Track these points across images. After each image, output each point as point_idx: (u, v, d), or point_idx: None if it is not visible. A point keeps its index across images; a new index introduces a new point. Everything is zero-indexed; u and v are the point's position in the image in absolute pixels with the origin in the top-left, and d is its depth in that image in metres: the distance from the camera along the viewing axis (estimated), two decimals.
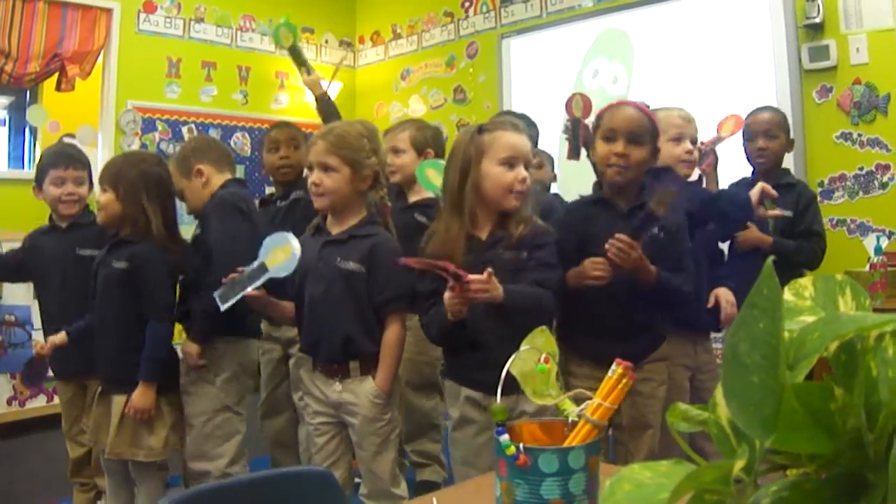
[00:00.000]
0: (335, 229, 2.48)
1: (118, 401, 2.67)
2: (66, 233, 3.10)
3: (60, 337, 2.89)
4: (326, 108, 3.60)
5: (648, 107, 2.54)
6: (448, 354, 2.42)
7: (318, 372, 2.48)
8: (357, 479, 2.63)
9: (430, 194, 3.04)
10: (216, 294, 2.50)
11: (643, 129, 2.40)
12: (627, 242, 2.24)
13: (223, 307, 2.48)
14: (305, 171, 2.62)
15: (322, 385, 2.46)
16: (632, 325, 2.38)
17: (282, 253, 2.39)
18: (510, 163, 2.21)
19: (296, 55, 3.64)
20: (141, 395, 2.63)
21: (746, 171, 3.28)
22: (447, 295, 2.07)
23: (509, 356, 1.15)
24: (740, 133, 3.22)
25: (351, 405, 2.40)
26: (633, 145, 2.37)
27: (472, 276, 2.01)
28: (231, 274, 2.48)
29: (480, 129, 2.29)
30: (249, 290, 2.42)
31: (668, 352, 2.54)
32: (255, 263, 2.43)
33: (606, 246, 2.27)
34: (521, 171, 2.21)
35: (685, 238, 2.48)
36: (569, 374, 2.42)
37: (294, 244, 2.39)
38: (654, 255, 2.34)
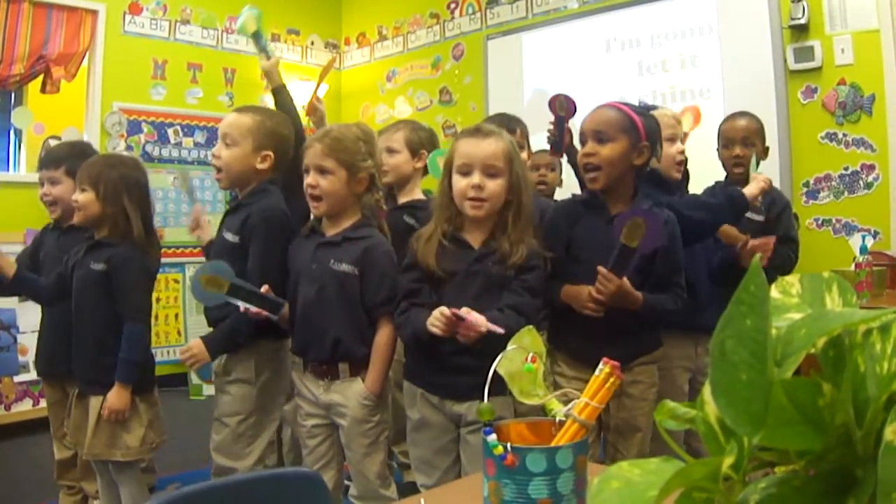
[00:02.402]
0: (330, 231, 2.48)
1: (95, 402, 2.66)
2: (65, 233, 3.10)
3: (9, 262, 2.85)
4: (284, 103, 3.12)
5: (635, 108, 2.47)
6: (407, 353, 2.41)
7: (308, 373, 2.48)
8: (347, 481, 2.63)
9: (420, 196, 3.03)
10: (275, 319, 2.47)
11: (609, 126, 2.35)
12: (606, 276, 2.21)
13: (279, 314, 2.47)
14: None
15: (312, 387, 2.46)
16: (620, 329, 2.32)
17: (213, 281, 2.38)
18: (464, 171, 2.22)
19: (257, 40, 3.35)
20: (116, 396, 2.61)
21: (717, 174, 3.19)
22: (438, 319, 2.07)
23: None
24: (715, 136, 3.17)
25: (340, 406, 2.40)
26: (599, 144, 2.34)
27: (470, 319, 2.00)
28: (263, 315, 2.45)
29: (457, 137, 2.32)
30: (265, 291, 2.44)
31: (660, 355, 2.50)
32: (236, 301, 2.42)
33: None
34: (474, 178, 2.19)
35: (677, 251, 2.41)
36: (556, 373, 2.41)
37: (193, 277, 2.40)
38: (641, 268, 2.32)
